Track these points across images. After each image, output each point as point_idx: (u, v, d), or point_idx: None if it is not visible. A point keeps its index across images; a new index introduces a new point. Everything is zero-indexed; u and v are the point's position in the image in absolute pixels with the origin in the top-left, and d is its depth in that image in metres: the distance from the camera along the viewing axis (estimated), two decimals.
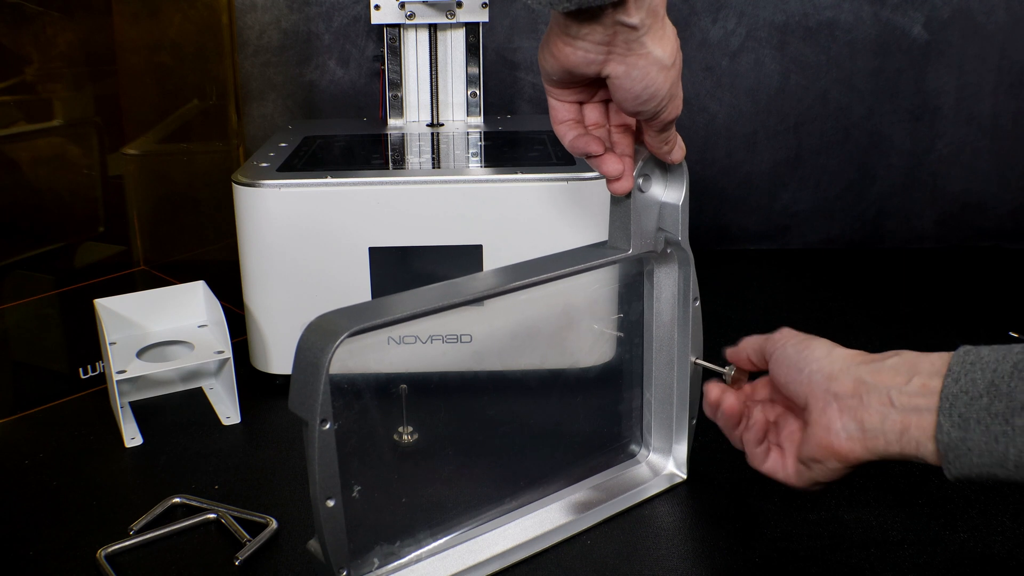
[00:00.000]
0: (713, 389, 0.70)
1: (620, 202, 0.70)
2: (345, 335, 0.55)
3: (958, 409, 0.53)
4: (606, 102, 0.66)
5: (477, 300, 0.63)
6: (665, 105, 0.62)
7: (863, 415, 0.56)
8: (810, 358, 0.61)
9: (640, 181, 0.69)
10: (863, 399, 0.56)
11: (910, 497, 0.75)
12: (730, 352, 0.72)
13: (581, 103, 0.66)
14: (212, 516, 0.74)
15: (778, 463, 0.64)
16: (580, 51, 0.58)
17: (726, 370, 0.73)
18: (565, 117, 0.66)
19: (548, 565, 0.68)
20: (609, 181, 0.67)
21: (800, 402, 0.61)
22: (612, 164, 0.66)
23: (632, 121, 0.67)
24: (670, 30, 0.60)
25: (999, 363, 0.53)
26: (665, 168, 0.70)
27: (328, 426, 0.57)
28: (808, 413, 0.60)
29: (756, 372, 0.71)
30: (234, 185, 0.90)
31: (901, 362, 0.56)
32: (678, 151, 0.68)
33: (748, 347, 0.70)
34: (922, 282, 1.27)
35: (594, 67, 0.59)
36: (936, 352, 0.56)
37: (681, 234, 0.71)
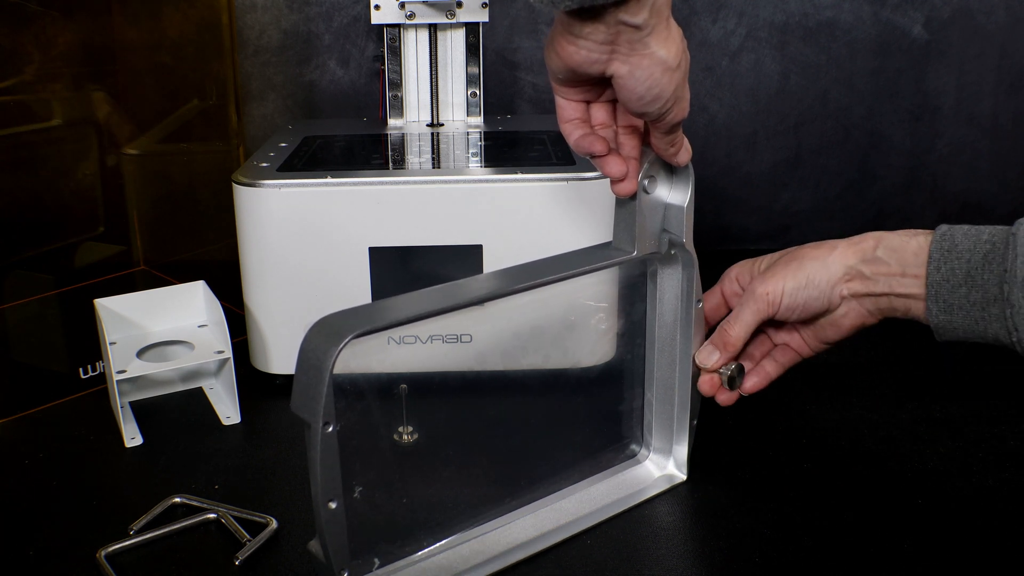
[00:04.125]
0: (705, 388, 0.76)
1: (625, 203, 0.69)
2: (349, 338, 0.55)
3: (943, 296, 0.64)
4: (613, 102, 0.66)
5: (481, 302, 0.63)
6: (671, 107, 0.62)
7: (878, 301, 0.69)
8: (816, 281, 0.70)
9: (645, 182, 0.69)
10: (871, 289, 0.68)
11: (909, 497, 0.75)
12: (720, 360, 0.74)
13: (588, 102, 0.65)
14: (212, 516, 0.74)
15: (786, 359, 0.76)
16: (583, 51, 0.58)
17: (723, 370, 0.74)
18: (571, 116, 0.65)
19: (548, 565, 0.68)
20: (613, 182, 0.67)
21: (819, 315, 0.72)
22: (615, 165, 0.66)
23: (639, 122, 0.67)
24: (675, 31, 0.60)
25: (972, 252, 0.63)
26: (671, 170, 0.70)
27: (331, 428, 0.57)
28: (829, 314, 0.72)
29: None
30: (234, 185, 0.90)
31: (888, 252, 0.68)
32: (684, 153, 0.68)
33: (741, 335, 0.74)
34: None
35: (597, 67, 0.59)
36: (913, 235, 0.67)
37: (685, 236, 0.71)
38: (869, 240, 0.70)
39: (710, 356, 0.74)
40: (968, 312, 0.63)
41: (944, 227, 0.66)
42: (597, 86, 0.64)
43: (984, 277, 0.62)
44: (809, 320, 0.73)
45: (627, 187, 0.67)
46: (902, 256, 0.67)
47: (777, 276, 0.72)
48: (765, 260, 0.75)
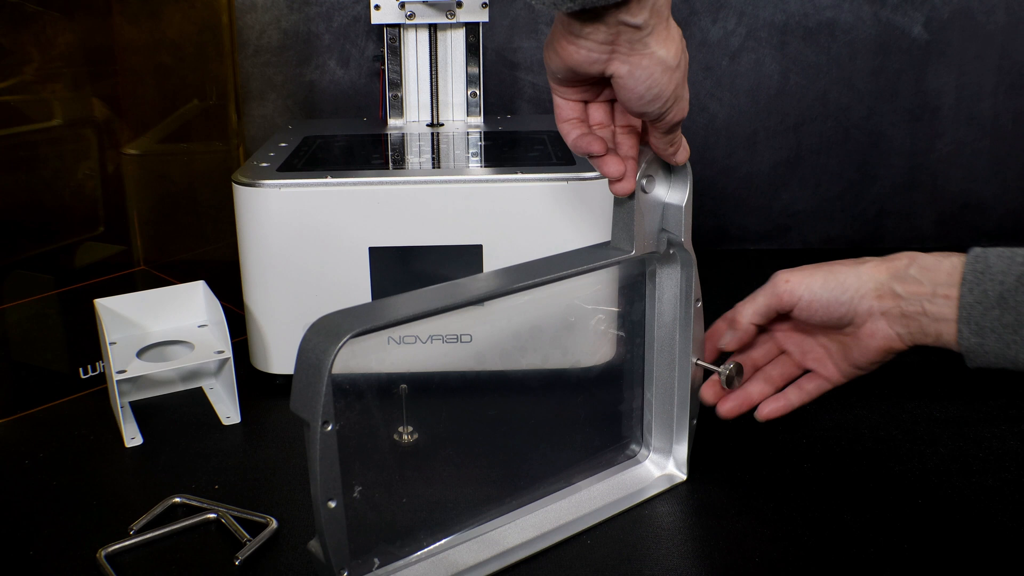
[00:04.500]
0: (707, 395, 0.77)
1: (623, 203, 0.70)
2: (348, 337, 0.55)
3: (975, 318, 0.63)
4: (611, 102, 0.66)
5: (480, 301, 0.63)
6: (670, 106, 0.62)
7: (908, 324, 0.68)
8: (845, 286, 0.70)
9: (644, 182, 0.69)
10: (903, 308, 0.68)
11: (909, 497, 0.75)
12: (728, 342, 0.75)
13: (586, 102, 0.65)
14: (212, 516, 0.74)
15: (813, 385, 0.75)
16: (583, 50, 0.58)
17: (721, 369, 0.74)
18: (569, 116, 0.65)
19: (548, 565, 0.68)
20: (611, 182, 0.67)
21: (842, 323, 0.71)
22: (613, 165, 0.66)
23: (637, 122, 0.67)
24: (675, 31, 0.60)
25: (1005, 274, 0.62)
26: (669, 169, 0.70)
27: (330, 427, 0.57)
28: (854, 328, 0.70)
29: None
30: (234, 185, 0.90)
31: (921, 272, 0.67)
32: (682, 152, 0.68)
33: (749, 316, 0.74)
34: None
35: (597, 67, 0.59)
36: (947, 256, 0.66)
37: (684, 235, 0.71)
38: (903, 259, 0.69)
39: (721, 338, 0.75)
40: (1000, 335, 0.62)
41: (978, 249, 0.65)
42: (596, 86, 0.64)
43: (1017, 299, 0.61)
44: (831, 328, 0.72)
45: (625, 186, 0.67)
46: (935, 276, 0.66)
47: (806, 272, 0.72)
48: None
